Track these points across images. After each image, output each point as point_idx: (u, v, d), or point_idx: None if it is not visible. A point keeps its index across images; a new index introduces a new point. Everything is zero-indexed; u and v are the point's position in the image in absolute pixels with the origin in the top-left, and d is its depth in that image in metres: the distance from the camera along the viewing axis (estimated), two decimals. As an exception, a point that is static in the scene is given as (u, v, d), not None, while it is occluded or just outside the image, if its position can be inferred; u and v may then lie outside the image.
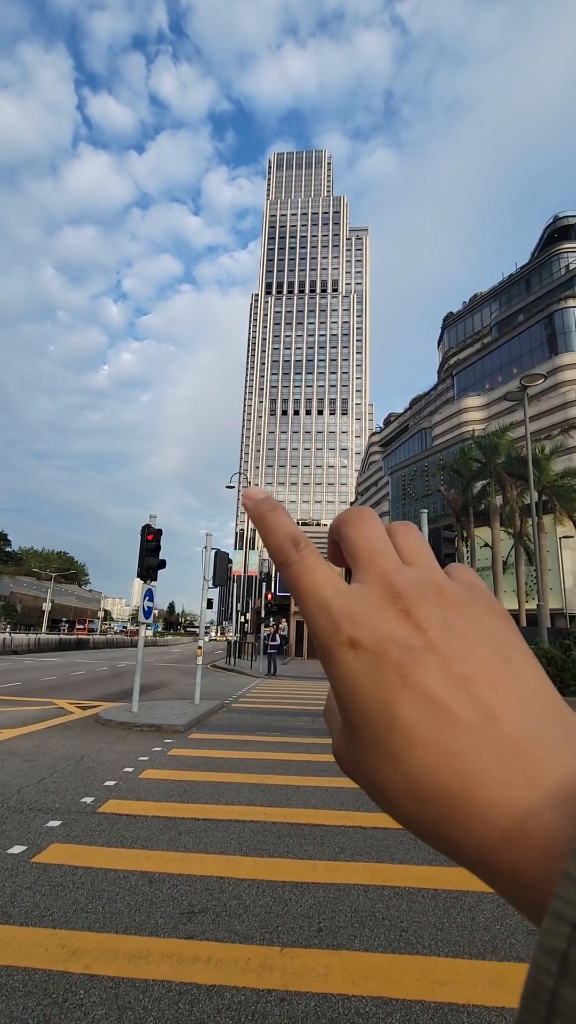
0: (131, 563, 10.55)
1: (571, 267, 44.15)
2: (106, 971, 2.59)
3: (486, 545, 33.13)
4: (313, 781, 6.03)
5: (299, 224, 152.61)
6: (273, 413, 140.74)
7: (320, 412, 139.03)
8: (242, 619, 35.86)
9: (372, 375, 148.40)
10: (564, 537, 31.67)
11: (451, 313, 60.56)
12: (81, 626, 74.27)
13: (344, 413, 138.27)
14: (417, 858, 4.04)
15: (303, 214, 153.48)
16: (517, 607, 30.13)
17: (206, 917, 3.10)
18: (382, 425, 77.30)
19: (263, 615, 31.08)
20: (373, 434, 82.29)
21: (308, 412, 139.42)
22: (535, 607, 19.13)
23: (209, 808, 4.99)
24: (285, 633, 33.20)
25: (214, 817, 4.74)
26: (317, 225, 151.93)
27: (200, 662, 12.09)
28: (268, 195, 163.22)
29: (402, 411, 68.52)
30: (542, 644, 11.32)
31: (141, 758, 6.81)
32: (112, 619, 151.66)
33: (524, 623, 27.97)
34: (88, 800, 5.09)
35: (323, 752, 7.54)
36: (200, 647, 12.59)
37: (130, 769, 6.26)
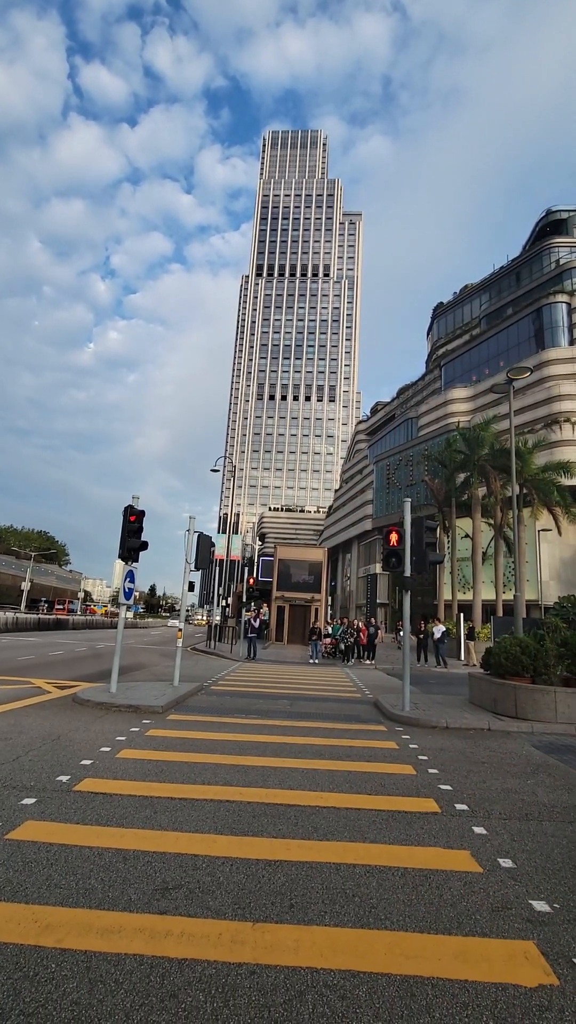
0: (113, 544, 10.47)
1: (561, 262, 44.30)
2: (78, 945, 2.61)
3: (467, 536, 33.57)
4: (289, 763, 6.10)
5: (292, 205, 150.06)
6: (260, 398, 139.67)
7: (308, 398, 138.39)
8: (223, 603, 35.91)
9: (361, 363, 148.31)
10: (543, 530, 32.25)
11: (441, 303, 60.47)
12: (60, 606, 73.60)
13: (331, 400, 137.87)
14: (388, 838, 4.13)
15: (296, 195, 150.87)
16: (494, 597, 30.70)
17: (180, 893, 3.14)
18: (369, 413, 77.29)
19: (244, 600, 31.15)
20: (360, 422, 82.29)
21: (295, 398, 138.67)
22: (512, 598, 19.51)
23: (185, 788, 5.03)
24: (266, 618, 33.36)
25: (190, 797, 4.78)
26: (311, 208, 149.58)
27: (180, 644, 12.10)
28: (262, 174, 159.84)
29: (389, 400, 68.57)
30: (517, 634, 11.56)
31: (118, 738, 6.82)
32: (92, 600, 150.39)
33: (501, 613, 28.52)
34: (64, 778, 5.08)
35: (301, 734, 7.64)
36: (180, 630, 12.58)
37: (107, 749, 6.26)
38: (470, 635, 25.70)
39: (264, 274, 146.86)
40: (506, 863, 3.75)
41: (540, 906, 3.19)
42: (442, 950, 2.73)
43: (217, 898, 3.11)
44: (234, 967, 2.51)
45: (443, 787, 5.48)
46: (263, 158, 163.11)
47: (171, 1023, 2.13)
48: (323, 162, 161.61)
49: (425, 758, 6.67)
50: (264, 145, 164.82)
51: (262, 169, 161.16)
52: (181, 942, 2.68)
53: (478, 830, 4.35)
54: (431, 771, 6.08)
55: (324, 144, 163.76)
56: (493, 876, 3.55)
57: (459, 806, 4.91)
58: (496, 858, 3.83)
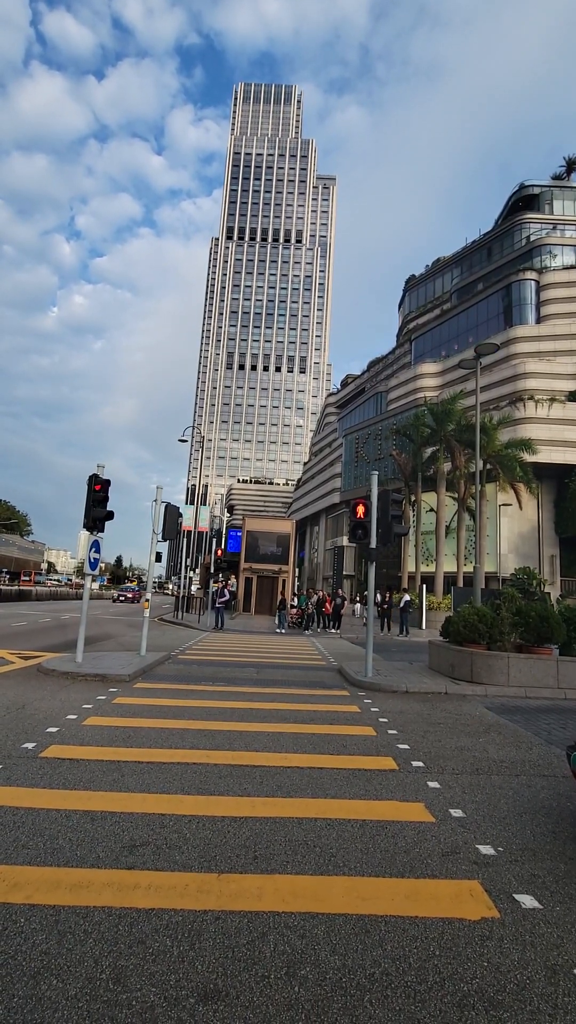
0: (78, 515, 10.21)
1: (532, 239, 44.44)
2: (47, 900, 2.68)
3: (431, 510, 34.34)
4: (255, 727, 6.28)
5: (264, 165, 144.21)
6: (230, 367, 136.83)
7: (278, 369, 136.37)
8: (191, 574, 35.90)
9: (332, 335, 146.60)
10: (504, 505, 33.27)
11: (413, 276, 60.04)
12: (27, 577, 71.88)
13: (302, 371, 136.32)
14: (349, 793, 4.35)
15: (269, 154, 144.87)
16: (455, 569, 31.72)
17: (147, 850, 3.24)
18: (339, 386, 76.97)
19: (212, 571, 31.21)
20: (330, 395, 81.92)
21: (266, 368, 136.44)
22: (472, 569, 20.24)
23: (153, 752, 5.13)
24: (234, 589, 33.57)
25: (157, 760, 4.88)
26: (284, 168, 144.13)
27: (147, 615, 12.10)
28: (233, 129, 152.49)
29: (360, 373, 68.37)
30: (475, 603, 12.05)
31: (85, 706, 6.85)
32: (56, 571, 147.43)
33: (461, 584, 29.55)
34: (29, 746, 5.09)
35: (266, 700, 7.84)
36: (147, 600, 12.56)
37: (73, 716, 6.28)
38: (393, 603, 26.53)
39: (235, 237, 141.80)
40: (457, 813, 4.02)
41: (486, 850, 3.45)
42: (395, 891, 2.93)
43: (184, 853, 3.23)
44: (200, 914, 2.64)
45: (401, 746, 5.76)
46: (234, 112, 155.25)
47: (139, 966, 2.24)
48: (297, 120, 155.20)
49: (385, 720, 6.97)
50: (236, 98, 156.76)
51: (233, 124, 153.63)
52: (148, 894, 2.78)
53: (432, 784, 4.62)
54: (390, 732, 6.37)
55: (299, 101, 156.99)
56: (444, 825, 3.81)
57: (415, 763, 5.19)
58: (448, 809, 4.09)
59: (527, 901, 2.89)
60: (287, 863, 3.18)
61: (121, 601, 48.20)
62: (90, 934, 2.44)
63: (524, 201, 48.16)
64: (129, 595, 50.44)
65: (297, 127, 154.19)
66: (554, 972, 2.34)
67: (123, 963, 2.25)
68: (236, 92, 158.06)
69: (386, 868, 3.18)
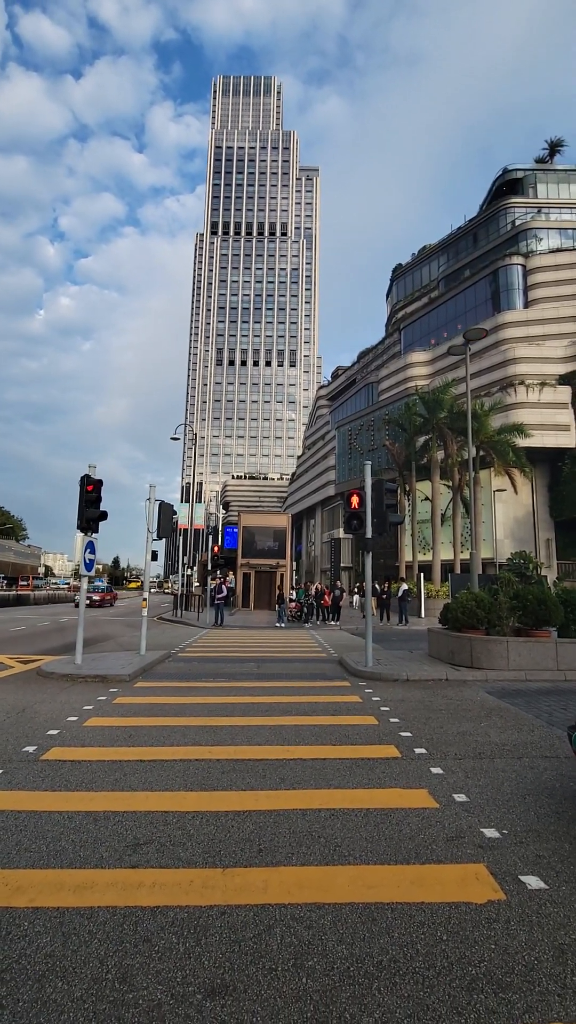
0: (74, 517, 10.15)
1: (517, 223, 44.30)
2: (50, 903, 2.66)
3: (426, 499, 34.37)
4: (257, 721, 6.27)
5: (247, 158, 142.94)
6: (220, 363, 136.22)
7: (268, 363, 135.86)
8: (188, 572, 35.84)
9: (321, 327, 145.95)
10: (498, 491, 33.33)
11: (400, 265, 59.79)
12: (24, 582, 71.56)
13: (292, 365, 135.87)
14: (352, 783, 4.34)
15: (251, 148, 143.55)
16: (452, 557, 31.80)
17: (151, 848, 3.22)
18: (330, 378, 76.76)
19: (210, 568, 31.17)
20: (321, 387, 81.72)
21: (256, 363, 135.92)
22: (469, 556, 20.29)
23: (155, 750, 5.10)
24: (232, 585, 33.55)
25: (159, 758, 4.86)
26: (266, 161, 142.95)
27: (145, 614, 12.05)
28: (213, 123, 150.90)
29: (350, 365, 68.17)
30: (473, 589, 12.07)
31: (86, 707, 6.82)
32: (54, 574, 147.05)
33: (458, 570, 29.64)
34: (30, 749, 5.06)
35: (268, 694, 7.83)
36: (145, 599, 12.51)
37: (74, 718, 6.25)
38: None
39: (220, 232, 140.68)
40: (460, 798, 4.02)
41: (490, 833, 3.45)
42: (401, 878, 2.93)
43: (188, 849, 3.21)
44: (205, 909, 2.62)
45: (403, 734, 5.76)
46: (214, 106, 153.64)
47: (145, 964, 2.22)
48: (278, 111, 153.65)
49: (387, 709, 6.98)
50: (215, 92, 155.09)
51: (213, 118, 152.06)
52: (153, 892, 2.76)
53: (435, 770, 4.62)
54: (392, 720, 6.37)
55: (279, 92, 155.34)
56: (448, 810, 3.80)
57: (418, 750, 5.19)
58: (451, 794, 4.09)
59: (533, 882, 2.88)
60: (292, 855, 3.17)
61: (87, 604, 30.19)
62: (95, 935, 2.42)
63: (508, 185, 47.95)
64: (96, 597, 34.86)
65: (278, 119, 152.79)
66: (562, 952, 2.33)
67: (129, 962, 2.23)
68: (215, 85, 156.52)
69: (391, 855, 3.17)
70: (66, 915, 2.56)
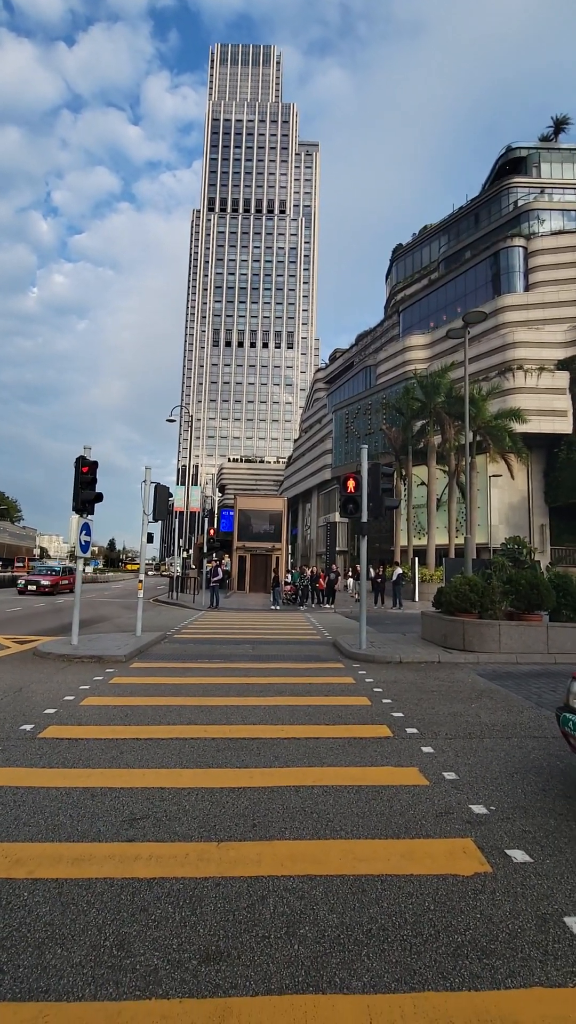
0: (70, 499, 10.11)
1: (519, 203, 43.56)
2: (49, 874, 2.73)
3: (423, 483, 34.43)
4: (252, 701, 6.36)
5: (245, 132, 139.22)
6: (216, 344, 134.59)
7: (265, 344, 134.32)
8: (184, 554, 35.93)
9: (319, 309, 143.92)
10: (494, 476, 33.40)
11: (400, 245, 58.87)
12: (20, 564, 71.46)
13: (290, 347, 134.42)
14: (345, 761, 4.43)
15: (249, 120, 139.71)
16: (447, 542, 31.98)
17: (147, 822, 3.30)
18: (328, 361, 76.08)
19: (206, 550, 31.25)
20: (318, 370, 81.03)
21: (253, 344, 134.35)
22: (463, 541, 20.42)
23: (151, 729, 5.18)
24: (228, 568, 33.67)
25: (156, 737, 4.94)
26: (264, 135, 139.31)
27: (141, 596, 12.12)
28: (211, 94, 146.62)
29: (348, 347, 67.53)
30: (467, 573, 12.17)
31: (82, 687, 6.89)
32: (50, 556, 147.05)
33: (453, 555, 29.83)
34: (28, 727, 5.13)
35: (263, 675, 7.93)
36: (141, 581, 12.56)
37: (71, 697, 6.33)
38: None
39: (217, 208, 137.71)
40: (450, 775, 4.12)
41: (478, 809, 3.55)
42: (391, 852, 3.01)
43: (183, 824, 3.29)
44: (200, 881, 2.69)
45: (395, 714, 5.87)
46: (211, 75, 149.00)
47: (142, 932, 2.29)
48: (277, 83, 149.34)
49: (380, 690, 7.09)
50: (213, 61, 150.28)
51: (211, 88, 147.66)
52: (150, 864, 2.84)
53: (426, 749, 4.72)
54: (385, 701, 6.48)
55: (278, 63, 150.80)
56: (438, 787, 3.90)
57: (410, 730, 5.29)
58: (441, 772, 4.19)
59: (518, 855, 2.98)
60: (285, 829, 3.25)
61: (31, 591, 26.39)
62: (93, 904, 2.49)
63: (511, 164, 47.04)
64: (45, 582, 26.91)
65: (277, 91, 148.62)
66: (544, 920, 2.42)
67: (126, 930, 2.31)
68: (213, 54, 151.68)
69: (382, 830, 3.26)
70: (65, 886, 2.63)
